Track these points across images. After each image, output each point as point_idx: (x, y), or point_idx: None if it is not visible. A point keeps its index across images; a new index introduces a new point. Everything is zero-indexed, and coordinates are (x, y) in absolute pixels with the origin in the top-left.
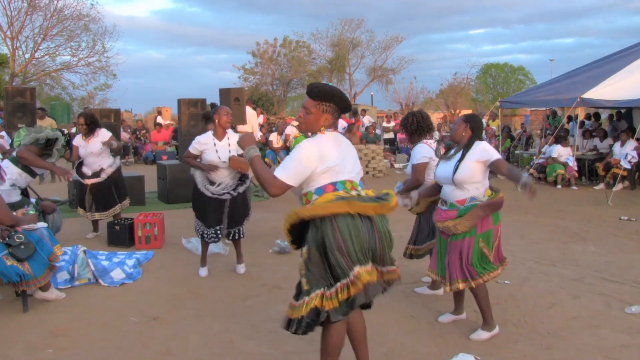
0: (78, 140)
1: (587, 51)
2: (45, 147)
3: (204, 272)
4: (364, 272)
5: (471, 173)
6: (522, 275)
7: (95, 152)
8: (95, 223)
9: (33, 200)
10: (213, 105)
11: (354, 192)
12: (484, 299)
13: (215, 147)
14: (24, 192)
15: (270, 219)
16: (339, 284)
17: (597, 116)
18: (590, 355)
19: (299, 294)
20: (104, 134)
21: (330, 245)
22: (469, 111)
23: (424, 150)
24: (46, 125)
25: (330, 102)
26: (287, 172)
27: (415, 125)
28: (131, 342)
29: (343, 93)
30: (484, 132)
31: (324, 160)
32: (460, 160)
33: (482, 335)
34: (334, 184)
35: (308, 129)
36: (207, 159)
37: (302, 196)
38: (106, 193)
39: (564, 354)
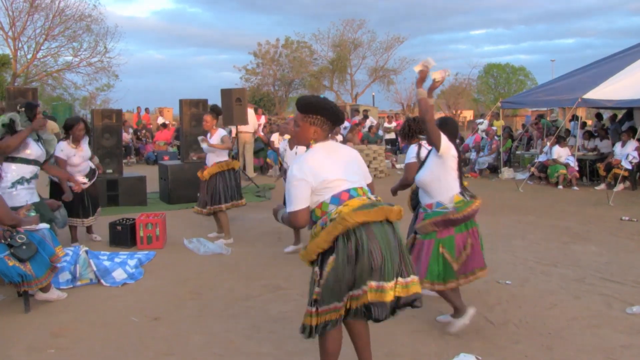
0: (67, 150)
1: (588, 51)
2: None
3: (289, 249)
4: (388, 287)
5: (430, 176)
6: (523, 275)
7: (87, 157)
8: (75, 231)
9: (37, 199)
10: (215, 106)
11: (371, 197)
12: (446, 295)
13: (286, 154)
14: None
15: (272, 220)
16: (350, 293)
17: (599, 116)
18: (591, 356)
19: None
20: (86, 138)
21: (363, 250)
22: (470, 112)
23: (413, 151)
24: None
25: (317, 114)
26: (292, 202)
27: (407, 129)
28: (133, 342)
29: (333, 106)
30: (482, 132)
31: (319, 175)
32: (423, 163)
33: (454, 322)
34: (347, 190)
35: (298, 142)
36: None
37: (316, 208)
38: (98, 193)
39: (564, 354)
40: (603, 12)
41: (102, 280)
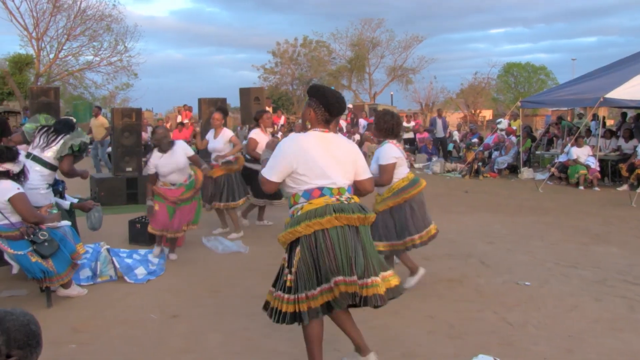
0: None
1: (610, 50)
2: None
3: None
4: (343, 282)
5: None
6: (542, 276)
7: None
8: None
9: (74, 200)
10: (222, 106)
11: (343, 198)
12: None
13: None
14: (61, 194)
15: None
16: (320, 287)
17: (623, 116)
18: None
19: (283, 286)
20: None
21: (322, 250)
22: (490, 111)
23: (393, 151)
24: (99, 124)
25: (313, 97)
26: (269, 170)
27: (385, 125)
28: (151, 338)
29: (331, 93)
30: (502, 131)
31: (305, 161)
32: None
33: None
34: (321, 189)
35: (302, 124)
36: None
37: (291, 196)
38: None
39: (585, 357)
40: (626, 9)
41: (125, 277)
